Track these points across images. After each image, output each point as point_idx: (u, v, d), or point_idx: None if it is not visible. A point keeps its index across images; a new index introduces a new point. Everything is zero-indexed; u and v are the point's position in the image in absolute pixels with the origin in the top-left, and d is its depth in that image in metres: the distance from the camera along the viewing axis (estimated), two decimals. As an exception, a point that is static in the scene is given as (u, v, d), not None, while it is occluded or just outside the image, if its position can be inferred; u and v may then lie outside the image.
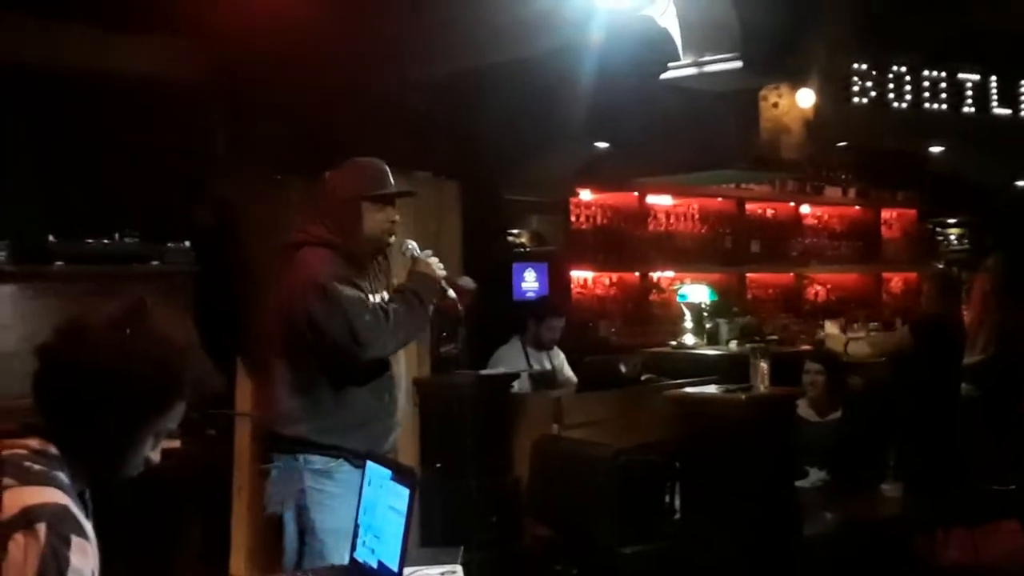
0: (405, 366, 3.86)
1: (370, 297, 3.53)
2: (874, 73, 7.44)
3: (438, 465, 5.22)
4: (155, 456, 1.91)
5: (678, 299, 7.08)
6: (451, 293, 3.63)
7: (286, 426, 3.52)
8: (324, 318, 3.41)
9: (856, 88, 7.35)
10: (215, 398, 2.00)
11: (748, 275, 9.43)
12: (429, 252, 3.66)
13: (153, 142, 5.56)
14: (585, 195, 8.18)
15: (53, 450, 1.81)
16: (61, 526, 1.71)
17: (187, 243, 5.46)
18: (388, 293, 3.63)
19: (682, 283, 7.94)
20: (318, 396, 3.50)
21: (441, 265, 3.63)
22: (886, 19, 6.87)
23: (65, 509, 1.74)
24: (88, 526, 1.79)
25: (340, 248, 3.53)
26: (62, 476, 1.79)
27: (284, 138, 5.81)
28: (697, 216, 9.10)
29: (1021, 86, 8.00)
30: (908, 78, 7.60)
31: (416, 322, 3.56)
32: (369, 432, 3.53)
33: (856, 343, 6.40)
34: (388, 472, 2.71)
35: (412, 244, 3.68)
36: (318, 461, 3.49)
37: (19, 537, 1.68)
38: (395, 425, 3.68)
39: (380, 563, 2.62)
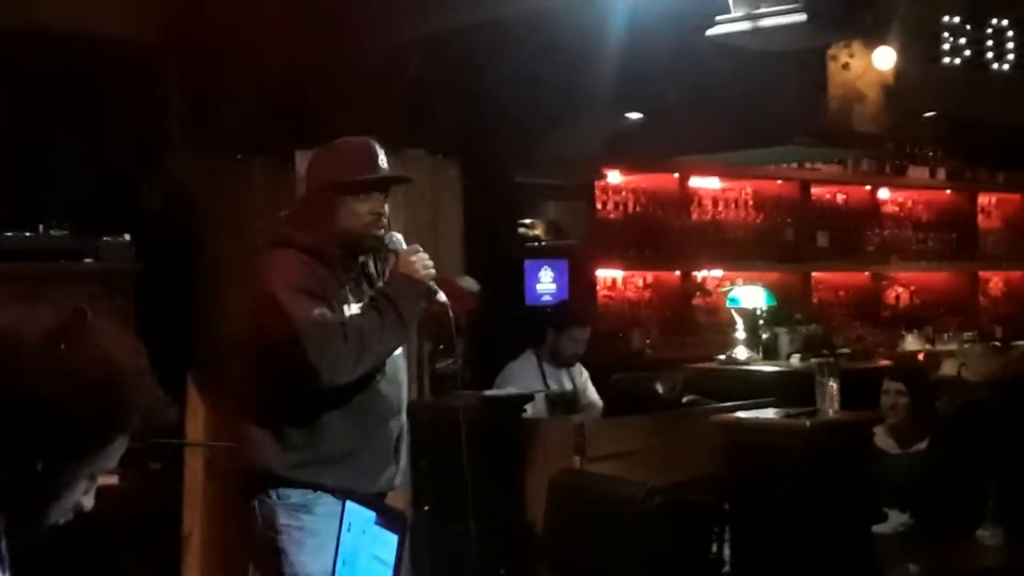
0: (406, 383, 3.85)
1: (346, 308, 3.54)
2: (968, 28, 7.42)
3: (425, 508, 5.22)
4: (87, 501, 1.90)
5: (728, 304, 7.07)
6: (441, 296, 3.62)
7: (256, 460, 3.58)
8: (273, 337, 3.45)
9: (947, 46, 7.33)
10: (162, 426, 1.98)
11: (814, 274, 9.43)
12: (416, 247, 3.65)
13: (89, 114, 5.58)
14: (614, 177, 8.19)
15: None
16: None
17: (127, 236, 5.47)
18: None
19: (733, 284, 7.93)
20: (288, 426, 3.54)
21: (430, 263, 3.62)
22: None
23: None
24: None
25: (310, 249, 3.55)
26: None
27: (248, 110, 5.83)
28: (751, 203, 9.10)
29: None
30: (1010, 34, 7.57)
31: (389, 335, 3.55)
32: (353, 467, 3.55)
33: (976, 360, 6.24)
34: (372, 515, 2.71)
35: (397, 238, 3.68)
36: (294, 495, 3.54)
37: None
38: (391, 457, 3.69)
39: (361, 625, 2.62)
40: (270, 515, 3.56)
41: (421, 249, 3.65)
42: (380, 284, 3.68)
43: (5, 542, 1.88)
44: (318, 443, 3.53)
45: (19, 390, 1.78)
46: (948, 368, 6.28)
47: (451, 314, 3.63)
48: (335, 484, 3.44)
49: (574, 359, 6.53)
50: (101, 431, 1.84)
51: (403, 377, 3.76)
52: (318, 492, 3.52)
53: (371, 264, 3.75)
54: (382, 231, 3.66)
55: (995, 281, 10.94)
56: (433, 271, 3.63)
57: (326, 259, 3.57)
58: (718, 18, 5.23)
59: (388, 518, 2.66)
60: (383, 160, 3.66)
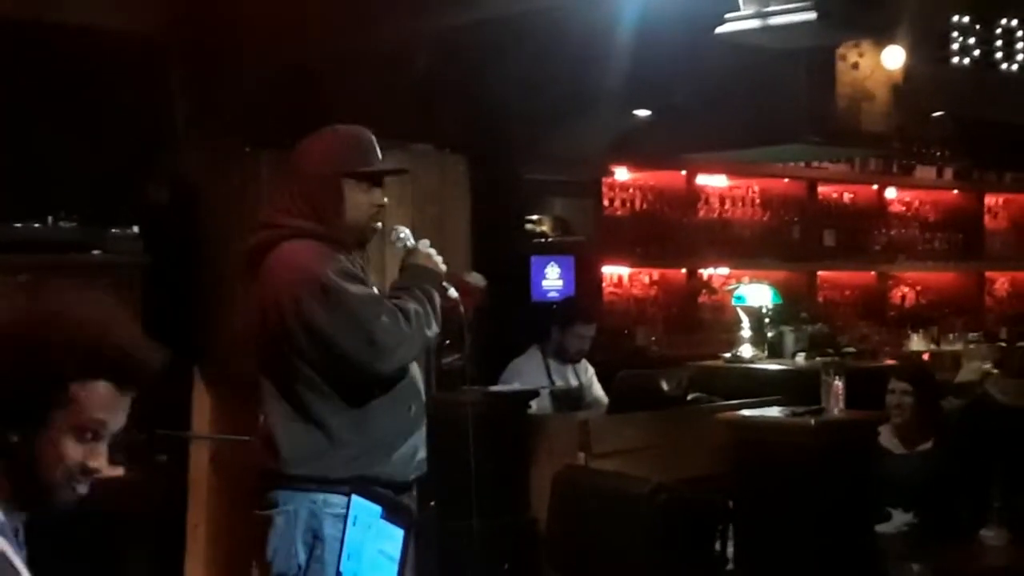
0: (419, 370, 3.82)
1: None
2: (978, 28, 7.41)
3: (432, 503, 5.22)
4: (94, 462, 1.88)
5: (733, 302, 7.07)
6: (452, 292, 3.62)
7: (292, 465, 3.45)
8: (330, 324, 3.36)
9: (956, 46, 7.33)
10: (163, 411, 1.98)
11: (820, 273, 9.41)
12: (426, 242, 3.64)
13: (95, 107, 5.58)
14: (621, 174, 8.17)
15: None
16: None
17: (135, 229, 5.48)
18: (376, 292, 3.59)
19: (739, 282, 7.92)
20: (329, 423, 3.44)
21: (440, 258, 3.62)
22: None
23: (1, 556, 1.75)
24: (24, 571, 1.80)
25: (325, 237, 3.48)
26: None
27: (255, 103, 5.83)
28: (758, 201, 9.09)
29: None
30: (1019, 34, 7.56)
31: (430, 322, 3.50)
32: (397, 456, 3.52)
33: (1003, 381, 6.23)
34: (378, 509, 2.71)
35: (405, 232, 3.65)
36: (341, 503, 3.32)
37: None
38: (422, 443, 3.66)
39: (366, 619, 2.63)
40: (312, 522, 3.44)
41: (431, 244, 3.65)
42: (399, 276, 3.61)
43: (22, 532, 1.89)
44: (365, 435, 3.46)
45: None
46: (968, 373, 6.24)
47: (463, 309, 3.63)
48: (380, 475, 3.36)
49: (580, 356, 6.53)
50: (43, 381, 1.83)
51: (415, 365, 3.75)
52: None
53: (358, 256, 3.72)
54: (379, 224, 3.64)
55: (1001, 281, 10.92)
56: (445, 266, 3.63)
57: (344, 248, 3.51)
58: (727, 16, 5.23)
59: (394, 512, 2.66)
60: (378, 150, 3.66)
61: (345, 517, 2.82)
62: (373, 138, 3.63)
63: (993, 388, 6.30)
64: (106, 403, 1.86)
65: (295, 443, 3.46)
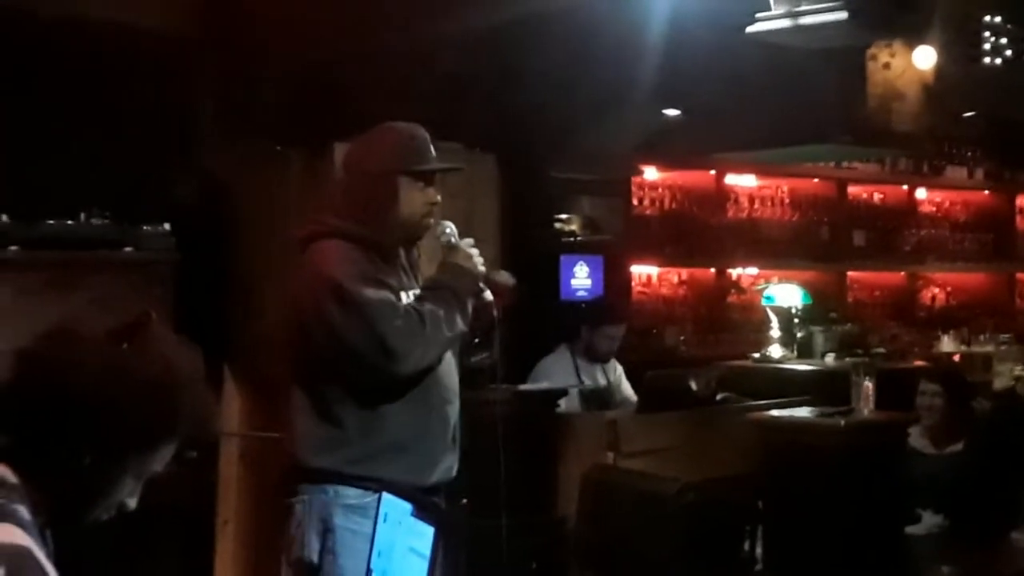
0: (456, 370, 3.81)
1: (401, 296, 3.52)
2: (1010, 27, 7.36)
3: (464, 500, 5.23)
4: (132, 502, 1.91)
5: (763, 302, 7.05)
6: (488, 295, 3.62)
7: (309, 457, 3.50)
8: (345, 327, 3.40)
9: (987, 46, 7.28)
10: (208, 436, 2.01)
11: (849, 273, 9.38)
12: (470, 241, 3.64)
13: (127, 105, 5.61)
14: (650, 173, 8.16)
15: (12, 478, 1.83)
16: (21, 572, 1.73)
17: (166, 226, 5.50)
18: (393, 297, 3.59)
19: (768, 282, 7.89)
20: (343, 419, 3.48)
21: (481, 259, 3.62)
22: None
23: (27, 552, 1.76)
24: (51, 570, 1.81)
25: (363, 239, 3.51)
26: (22, 511, 1.81)
27: (286, 102, 5.85)
28: (787, 201, 9.06)
29: None
30: (1052, 34, 7.51)
31: (454, 324, 3.52)
32: (411, 460, 3.52)
33: None
34: (408, 506, 2.71)
35: (451, 227, 3.65)
36: (352, 495, 3.45)
37: (-28, 583, 1.70)
38: (447, 449, 3.67)
39: (396, 617, 2.63)
40: (324, 512, 3.48)
41: (474, 243, 3.66)
42: (436, 272, 3.64)
43: (50, 533, 1.90)
44: (377, 435, 3.48)
45: (76, 384, 1.80)
46: (1002, 380, 6.21)
47: (495, 311, 3.64)
48: (393, 477, 3.34)
49: (609, 355, 6.52)
50: (152, 433, 1.86)
51: (455, 363, 3.75)
52: (376, 494, 3.48)
53: (403, 254, 3.74)
54: (432, 221, 3.66)
55: (1032, 283, 10.87)
56: (484, 267, 3.64)
57: (380, 248, 3.53)
58: (758, 15, 5.22)
59: (425, 510, 2.67)
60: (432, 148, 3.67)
61: (376, 514, 2.83)
62: (427, 136, 3.64)
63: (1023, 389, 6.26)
64: (167, 458, 1.90)
65: (310, 436, 3.51)
